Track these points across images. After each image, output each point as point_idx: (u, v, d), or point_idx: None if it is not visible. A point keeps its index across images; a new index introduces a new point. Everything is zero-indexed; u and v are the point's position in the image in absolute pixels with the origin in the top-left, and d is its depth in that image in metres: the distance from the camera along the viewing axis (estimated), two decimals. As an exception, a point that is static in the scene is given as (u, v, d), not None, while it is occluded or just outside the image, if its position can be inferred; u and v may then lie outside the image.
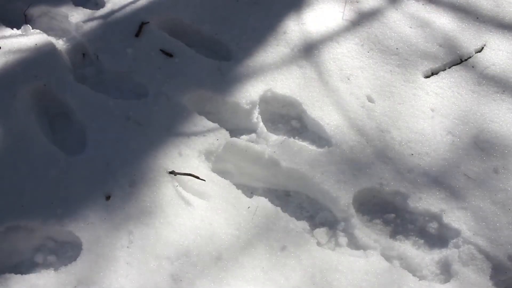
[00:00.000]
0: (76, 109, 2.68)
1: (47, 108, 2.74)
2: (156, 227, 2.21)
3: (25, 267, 2.19)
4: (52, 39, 3.06)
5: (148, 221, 2.22)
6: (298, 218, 2.42)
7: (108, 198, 2.29)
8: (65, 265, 2.13)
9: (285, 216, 2.36)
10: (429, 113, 2.77)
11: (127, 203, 2.27)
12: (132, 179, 2.35)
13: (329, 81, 2.90)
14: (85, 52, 3.06)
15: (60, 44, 3.07)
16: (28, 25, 3.13)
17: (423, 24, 3.26)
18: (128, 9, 3.26)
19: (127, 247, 2.15)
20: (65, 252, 2.22)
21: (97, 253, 2.14)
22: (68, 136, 2.65)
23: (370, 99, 2.84)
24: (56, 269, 2.12)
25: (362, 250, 2.29)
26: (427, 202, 2.41)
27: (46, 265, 2.18)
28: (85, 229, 2.20)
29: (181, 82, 2.84)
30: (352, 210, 2.39)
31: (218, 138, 2.60)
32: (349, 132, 2.66)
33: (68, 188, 2.34)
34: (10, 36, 3.03)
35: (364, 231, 2.35)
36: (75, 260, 2.13)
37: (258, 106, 2.81)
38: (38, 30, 3.11)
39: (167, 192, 2.32)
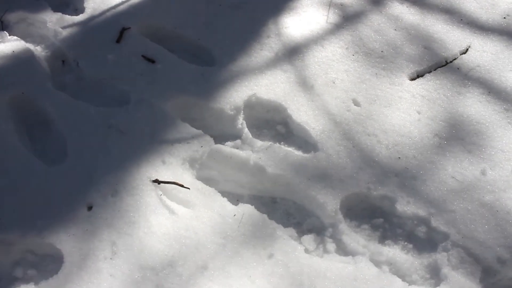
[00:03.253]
0: (56, 118, 2.66)
1: (26, 116, 2.72)
2: (140, 237, 2.19)
3: (4, 282, 2.15)
4: (30, 46, 3.04)
5: (131, 231, 2.20)
6: (285, 225, 2.42)
7: (90, 208, 2.27)
8: (46, 279, 2.10)
9: (272, 223, 2.35)
10: (415, 116, 2.80)
11: (110, 213, 2.25)
12: (115, 188, 2.33)
13: (314, 85, 2.92)
14: (64, 59, 3.04)
15: (38, 50, 3.05)
16: (5, 31, 3.10)
17: (408, 26, 3.29)
18: (108, 14, 3.25)
19: (111, 258, 2.13)
20: (46, 265, 2.20)
21: (79, 266, 2.11)
22: (48, 146, 2.62)
23: (356, 103, 2.85)
24: (36, 284, 2.09)
25: (350, 256, 2.29)
26: (415, 206, 2.43)
27: (26, 280, 2.15)
28: (66, 241, 2.18)
29: (163, 89, 2.83)
30: (340, 216, 2.40)
31: (202, 145, 2.59)
32: (336, 137, 2.67)
33: (48, 199, 2.31)
34: (-13, 44, 3.01)
35: (352, 237, 2.35)
36: (56, 273, 2.11)
37: (242, 111, 2.81)
38: (15, 37, 3.09)
39: (151, 201, 2.31)
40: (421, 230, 2.39)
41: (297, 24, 3.26)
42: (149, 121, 2.66)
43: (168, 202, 2.34)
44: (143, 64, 2.96)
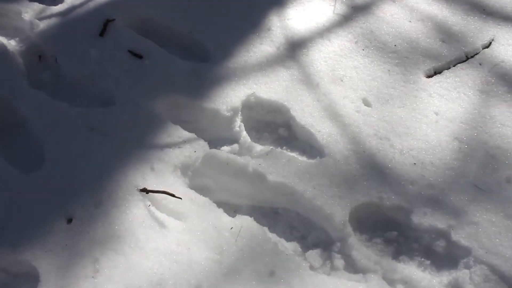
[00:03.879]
0: (32, 119, 2.67)
1: (-2, 119, 2.73)
2: (125, 253, 2.19)
3: (-27, 303, 2.15)
4: (2, 39, 3.04)
5: (116, 247, 2.20)
6: (288, 239, 2.43)
7: (69, 221, 2.27)
8: (21, 300, 2.10)
9: (273, 237, 2.35)
10: (432, 117, 2.81)
11: (92, 227, 2.25)
12: (98, 198, 2.34)
13: (320, 83, 2.93)
14: (41, 54, 3.05)
15: (12, 45, 3.05)
16: (-25, 24, 3.11)
17: (424, 18, 3.31)
18: (91, 4, 3.26)
19: (93, 277, 2.13)
20: (20, 285, 2.19)
21: (57, 285, 2.11)
22: (23, 151, 2.63)
23: (367, 103, 2.87)
24: (10, 305, 2.09)
25: (361, 274, 2.29)
26: (433, 217, 2.43)
27: (-2, 301, 2.15)
28: (43, 257, 2.17)
29: (152, 87, 2.84)
30: (349, 229, 2.40)
31: (196, 150, 2.60)
32: (344, 141, 2.68)
33: (22, 211, 2.31)
34: (-46, 38, 3.02)
35: (363, 252, 2.35)
36: (32, 294, 2.11)
37: (240, 113, 2.83)
38: (-14, 30, 3.10)
39: (138, 213, 2.31)
40: (439, 245, 2.39)
41: (301, 15, 3.28)
42: (136, 124, 2.66)
43: (158, 213, 2.34)
44: (129, 60, 2.97)
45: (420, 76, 3.00)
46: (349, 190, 2.50)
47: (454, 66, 3.08)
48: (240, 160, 2.58)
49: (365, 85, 2.94)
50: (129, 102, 2.75)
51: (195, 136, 2.66)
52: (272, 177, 2.53)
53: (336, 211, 2.42)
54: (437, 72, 3.06)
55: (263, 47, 3.10)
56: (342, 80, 2.94)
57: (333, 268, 2.33)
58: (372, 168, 2.58)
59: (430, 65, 3.06)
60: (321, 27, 3.21)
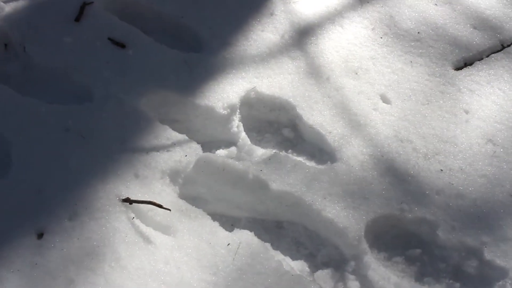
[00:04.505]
0: (-3, 119, 2.68)
1: (-42, 117, 2.73)
2: (105, 273, 2.19)
3: None
4: (-37, 26, 3.05)
5: (94, 266, 2.20)
6: (294, 257, 2.43)
7: (40, 236, 2.27)
8: (-17, 328, 2.10)
9: (276, 255, 2.35)
10: (462, 116, 2.82)
11: (67, 242, 2.25)
12: (73, 210, 2.33)
13: (331, 76, 2.94)
14: (7, 42, 3.05)
15: (-26, 32, 3.06)
16: None
17: (452, 0, 3.31)
18: (65, -15, 3.26)
19: (67, 301, 2.13)
20: (-17, 310, 2.19)
21: (26, 310, 2.11)
22: (-14, 155, 2.63)
23: (385, 100, 2.88)
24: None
25: (379, 298, 2.30)
26: (462, 232, 2.43)
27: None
28: (9, 279, 2.16)
29: (136, 81, 2.85)
30: (365, 245, 2.41)
31: (187, 153, 2.60)
32: (359, 143, 2.69)
33: (-14, 224, 2.32)
34: None
35: (381, 273, 2.35)
36: (-4, 320, 2.11)
37: (238, 111, 2.84)
38: None
39: (120, 227, 2.31)
40: (471, 265, 2.39)
41: (308, -3, 3.30)
42: (118, 123, 2.67)
43: (143, 227, 2.34)
44: (109, 49, 2.98)
45: (447, 68, 3.01)
46: (365, 200, 2.50)
47: (487, 56, 3.08)
48: (239, 165, 2.58)
49: (384, 78, 2.95)
50: (109, 99, 2.76)
51: (187, 137, 2.67)
52: (275, 185, 2.53)
53: (350, 224, 2.42)
54: (467, 63, 3.06)
55: (265, 34, 3.10)
56: (356, 73, 2.95)
57: (347, 291, 2.34)
58: (391, 175, 2.59)
59: (459, 56, 3.06)
60: (332, 12, 3.21)
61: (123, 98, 2.76)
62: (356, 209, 2.47)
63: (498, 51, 3.11)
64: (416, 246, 2.48)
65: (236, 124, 2.80)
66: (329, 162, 2.65)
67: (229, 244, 2.33)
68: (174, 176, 2.55)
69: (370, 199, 2.50)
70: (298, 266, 2.38)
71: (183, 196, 2.53)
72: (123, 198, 2.39)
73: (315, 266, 2.43)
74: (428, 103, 2.85)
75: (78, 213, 2.33)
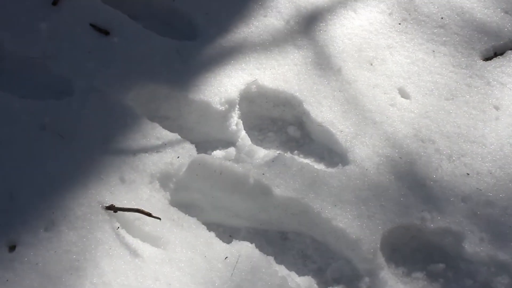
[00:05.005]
0: (-36, 115, 2.67)
1: None
2: (86, 290, 2.19)
3: None
4: None
5: (74, 282, 2.19)
6: (300, 272, 2.43)
7: (12, 248, 2.26)
8: None
9: (280, 270, 2.35)
10: (492, 113, 2.82)
11: (42, 256, 2.24)
12: (50, 219, 2.33)
13: (343, 68, 2.94)
14: (-24, 29, 3.06)
15: None
16: None
17: (480, -18, 3.32)
18: (41, -36, 3.26)
19: (43, 322, 2.13)
20: None
21: (-3, 333, 2.11)
22: (-48, 156, 2.63)
23: (404, 94, 2.88)
24: None
25: (397, 319, 2.30)
26: (492, 245, 2.43)
27: None
28: (-22, 296, 2.18)
29: (122, 73, 2.85)
30: (381, 259, 2.40)
31: (180, 155, 2.60)
32: (374, 143, 2.69)
33: (-48, 235, 2.31)
34: None
35: (399, 290, 2.37)
36: None
37: (237, 106, 2.84)
38: None
39: (104, 238, 2.30)
40: (501, 281, 2.38)
41: (317, -22, 3.29)
42: (101, 121, 2.67)
43: (129, 238, 2.34)
44: (92, 36, 2.98)
45: (475, 59, 3.01)
46: (381, 208, 2.50)
47: (520, 45, 3.09)
48: (238, 168, 2.58)
49: (402, 70, 2.95)
50: (91, 93, 2.75)
51: (179, 137, 2.67)
52: (279, 190, 2.53)
53: (364, 235, 2.42)
54: (498, 53, 3.05)
55: (267, 20, 3.10)
56: (371, 64, 2.95)
57: (360, 311, 2.33)
58: (411, 180, 2.58)
59: (488, 44, 3.06)
60: (344, -6, 3.22)
61: (107, 92, 2.76)
62: (371, 218, 2.47)
63: (532, 39, 3.10)
64: (439, 260, 2.47)
65: (235, 122, 2.80)
66: (340, 164, 2.65)
67: (227, 257, 2.33)
68: (164, 180, 2.55)
69: (386, 207, 2.50)
70: (305, 283, 2.37)
71: (174, 203, 2.53)
72: (107, 205, 2.39)
73: (324, 283, 2.42)
74: (452, 98, 2.85)
75: (55, 223, 2.32)
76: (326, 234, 2.50)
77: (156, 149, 2.60)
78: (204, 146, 2.76)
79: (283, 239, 2.56)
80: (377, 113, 2.78)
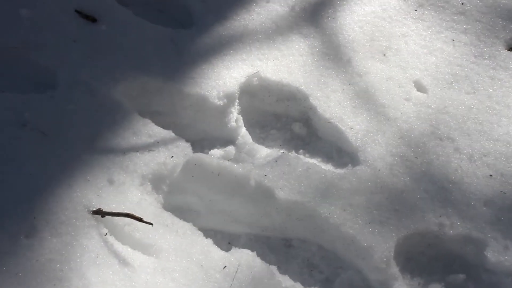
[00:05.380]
0: None
1: None
2: (71, 303, 2.19)
3: None
4: None
5: (58, 294, 2.20)
6: (306, 283, 2.42)
7: (-9, 256, 2.27)
8: None
9: (284, 281, 2.34)
10: (516, 108, 2.83)
11: (23, 265, 2.24)
12: (31, 224, 2.33)
13: (353, 58, 2.94)
14: (-49, 16, 3.06)
15: None
16: None
17: (504, -35, 3.32)
18: None
19: (24, 337, 2.13)
20: None
21: None
22: None
23: (421, 87, 2.88)
24: None
25: (412, 335, 2.30)
26: (516, 253, 2.44)
27: None
28: (-48, 309, 2.18)
29: (111, 64, 2.85)
30: (395, 269, 2.40)
31: (174, 154, 2.60)
32: (387, 142, 2.68)
33: None
34: None
35: (415, 303, 2.36)
36: None
37: (237, 101, 2.84)
38: None
39: (90, 245, 2.30)
40: (526, 293, 2.39)
41: (325, -40, 3.29)
42: (88, 117, 2.67)
43: (118, 246, 2.33)
44: (77, 24, 2.98)
45: (498, 48, 3.00)
46: (395, 213, 2.49)
47: (550, 33, 3.09)
48: (238, 169, 2.58)
49: (419, 61, 2.94)
50: (77, 86, 2.75)
51: (173, 134, 2.67)
52: (283, 193, 2.53)
53: (376, 243, 2.42)
54: (523, 42, 3.06)
55: (270, 6, 3.10)
56: (385, 55, 2.95)
57: (372, 326, 2.34)
58: (428, 181, 2.58)
59: (513, 33, 3.07)
60: (355, -22, 3.21)
61: (94, 86, 2.76)
62: (384, 224, 2.46)
63: (562, 27, 3.10)
64: (459, 270, 2.47)
65: (235, 118, 2.80)
66: (350, 165, 2.65)
67: (225, 267, 2.33)
68: (157, 182, 2.56)
69: (401, 212, 2.49)
70: (311, 295, 2.38)
71: (168, 207, 2.53)
72: (94, 209, 2.38)
73: (332, 295, 2.42)
74: (474, 92, 2.85)
75: (37, 229, 2.32)
76: (334, 241, 2.50)
77: (148, 147, 2.60)
78: (200, 144, 2.77)
79: (287, 247, 2.56)
80: (391, 109, 2.78)
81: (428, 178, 2.59)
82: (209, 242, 2.41)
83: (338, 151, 2.75)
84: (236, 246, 2.50)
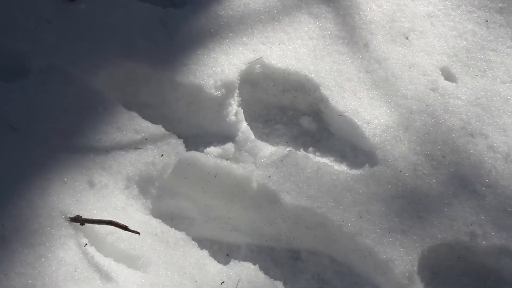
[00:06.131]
0: None
1: None
2: (46, 324, 2.19)
3: None
4: None
5: (30, 314, 2.19)
6: (316, 302, 2.42)
7: (-48, 270, 2.26)
8: None
9: (292, 299, 2.35)
10: (560, 100, 2.81)
11: (-10, 280, 2.25)
12: (0, 234, 2.33)
13: (371, 42, 2.94)
14: None
15: None
16: None
17: None
18: None
19: None
20: None
21: None
22: None
23: (449, 76, 2.87)
24: None
25: None
26: (559, 267, 2.43)
27: None
28: None
29: (91, 49, 2.85)
30: (419, 285, 2.39)
31: (164, 152, 2.59)
32: (410, 138, 2.68)
33: None
34: None
35: (442, 325, 2.36)
36: None
37: (237, 91, 2.84)
38: None
39: (67, 257, 2.29)
40: None
41: None
42: (65, 109, 2.66)
43: (100, 258, 2.32)
44: (52, 2, 2.97)
45: (539, 31, 3.00)
46: (419, 220, 2.48)
47: None
48: (238, 170, 2.57)
49: (447, 45, 2.94)
50: (52, 73, 2.75)
51: (163, 130, 2.67)
52: (290, 198, 2.52)
53: (397, 255, 2.41)
54: None
55: (275, -18, 3.10)
56: (407, 38, 2.94)
57: None
58: (457, 185, 2.57)
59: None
60: (373, -50, 3.20)
61: (71, 73, 2.76)
62: (406, 234, 2.46)
63: None
64: (493, 286, 2.47)
65: (234, 111, 2.80)
66: (367, 165, 2.65)
67: (223, 282, 2.32)
68: (145, 184, 2.55)
69: (426, 219, 2.49)
70: (322, 315, 2.37)
71: (158, 213, 2.53)
72: (72, 216, 2.37)
73: (346, 315, 2.42)
74: (511, 81, 2.84)
75: (5, 238, 2.31)
76: (349, 253, 2.49)
77: (135, 145, 2.60)
78: (195, 141, 2.76)
79: (295, 259, 2.56)
80: (414, 100, 2.77)
81: (458, 180, 2.58)
82: (204, 253, 2.41)
83: (353, 149, 2.75)
84: (235, 259, 2.48)
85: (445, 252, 2.48)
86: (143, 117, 2.69)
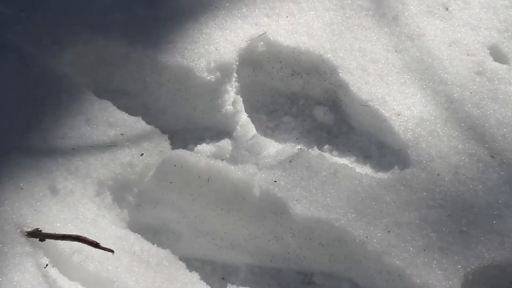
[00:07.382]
0: None
1: None
2: None
3: None
4: None
5: None
6: (333, 338, 2.43)
7: None
8: None
9: (303, 333, 2.35)
10: None
11: None
12: None
13: (401, 15, 2.94)
14: None
15: None
16: None
17: None
18: None
19: None
20: None
21: None
22: None
23: (498, 56, 2.87)
24: None
25: None
26: None
27: None
28: None
29: (53, 22, 2.86)
30: (462, 316, 2.40)
31: (144, 150, 2.59)
32: (450, 134, 2.67)
33: None
34: None
35: None
36: None
37: (235, 75, 2.84)
38: None
39: (24, 281, 2.29)
40: None
41: None
42: (21, 96, 2.66)
43: (64, 282, 2.33)
44: (7, -35, 2.98)
45: None
46: (461, 236, 2.48)
47: None
48: (236, 172, 2.57)
49: (496, 18, 2.94)
50: (5, 53, 2.76)
51: (144, 123, 2.66)
52: (300, 208, 2.51)
53: (435, 279, 2.40)
54: None
55: None
56: (447, 8, 2.94)
57: None
58: (509, 191, 2.56)
59: None
60: None
61: (30, 52, 2.77)
62: (446, 252, 2.45)
63: None
64: (553, 317, 2.46)
65: (232, 99, 2.80)
66: (396, 167, 2.64)
67: (218, 312, 2.33)
68: (120, 191, 2.55)
69: (471, 234, 2.48)
70: None
71: (136, 226, 2.53)
72: (29, 230, 2.37)
73: None
74: None
75: None
76: (374, 276, 2.49)
77: (108, 142, 2.59)
78: (183, 137, 2.78)
79: (307, 284, 2.56)
80: (456, 86, 2.77)
81: (510, 186, 2.57)
82: (194, 276, 2.40)
83: (379, 148, 2.75)
84: (232, 283, 2.49)
85: (494, 276, 2.47)
86: (118, 107, 2.69)
